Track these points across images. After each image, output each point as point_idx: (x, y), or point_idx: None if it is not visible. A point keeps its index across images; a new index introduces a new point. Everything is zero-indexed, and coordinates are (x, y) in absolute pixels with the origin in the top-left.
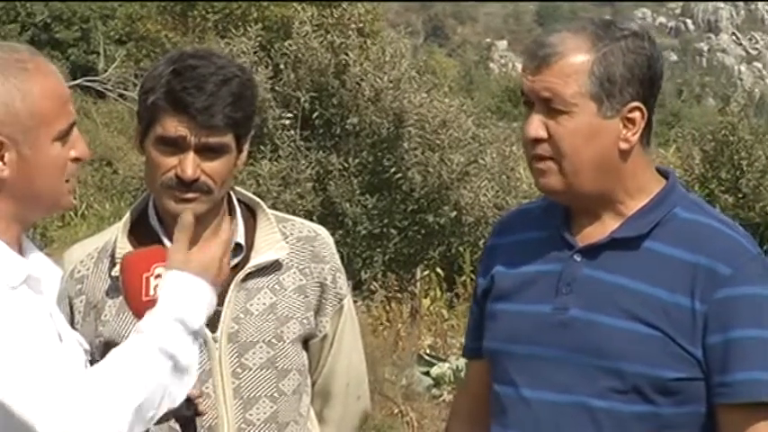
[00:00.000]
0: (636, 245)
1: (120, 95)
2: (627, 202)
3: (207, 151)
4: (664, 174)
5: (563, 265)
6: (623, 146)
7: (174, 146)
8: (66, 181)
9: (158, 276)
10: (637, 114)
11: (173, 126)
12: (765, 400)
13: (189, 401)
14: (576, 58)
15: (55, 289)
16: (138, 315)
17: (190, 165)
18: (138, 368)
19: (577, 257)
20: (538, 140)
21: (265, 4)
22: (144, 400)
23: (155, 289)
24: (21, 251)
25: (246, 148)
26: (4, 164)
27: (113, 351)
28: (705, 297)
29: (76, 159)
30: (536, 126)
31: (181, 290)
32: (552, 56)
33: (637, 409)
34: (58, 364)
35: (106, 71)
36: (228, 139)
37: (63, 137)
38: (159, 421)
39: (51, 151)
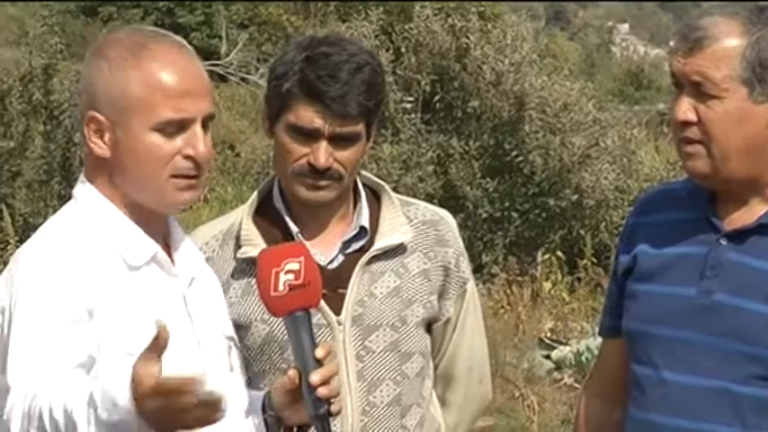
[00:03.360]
0: None
1: (243, 79)
2: None
3: (339, 140)
4: None
5: (708, 248)
6: None
7: (307, 134)
8: (177, 177)
9: (288, 272)
10: None
11: (307, 116)
12: None
13: (320, 400)
14: (729, 43)
15: (192, 275)
16: (269, 309)
17: (323, 154)
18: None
19: (723, 241)
20: (687, 123)
21: None
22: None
23: (284, 285)
24: (161, 236)
25: (374, 134)
26: (105, 143)
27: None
28: None
29: (188, 157)
30: (685, 109)
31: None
32: (704, 39)
33: None
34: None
35: (228, 55)
36: (360, 127)
37: (164, 129)
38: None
39: (147, 139)
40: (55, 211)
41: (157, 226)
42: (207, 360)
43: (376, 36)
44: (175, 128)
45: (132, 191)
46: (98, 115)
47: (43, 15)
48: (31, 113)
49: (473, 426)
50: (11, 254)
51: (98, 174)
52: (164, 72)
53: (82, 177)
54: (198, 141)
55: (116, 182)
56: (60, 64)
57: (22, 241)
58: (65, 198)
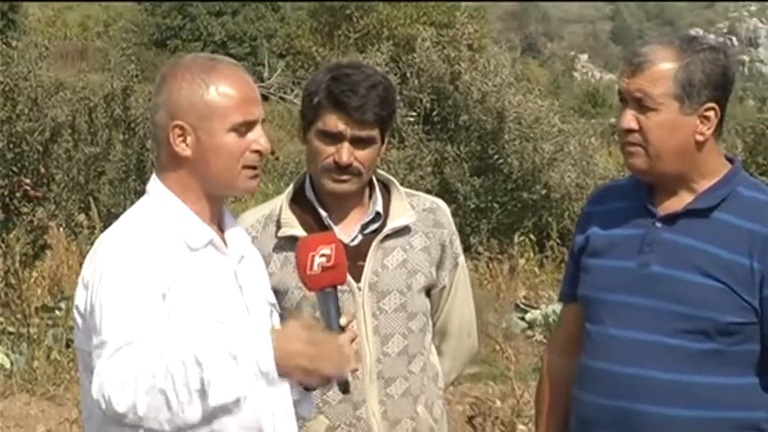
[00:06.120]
0: (706, 215)
1: (281, 98)
2: (699, 182)
3: (359, 142)
4: (730, 159)
5: (646, 229)
6: (699, 138)
7: (333, 138)
8: (248, 167)
9: (322, 256)
10: (711, 113)
11: (333, 122)
12: None
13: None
14: (664, 66)
15: (241, 253)
16: (305, 285)
17: (345, 153)
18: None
19: (658, 224)
20: (630, 131)
21: (394, 25)
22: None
23: (318, 266)
24: (215, 221)
25: (387, 140)
26: (187, 145)
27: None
28: (761, 258)
29: (256, 151)
30: (629, 119)
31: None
32: (645, 63)
33: (702, 347)
34: (159, 312)
35: (269, 79)
36: (375, 132)
37: (238, 129)
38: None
39: (225, 139)
40: (132, 203)
41: (214, 214)
42: (254, 322)
43: (386, 64)
44: (245, 128)
45: (206, 182)
46: (182, 123)
47: (122, 47)
48: (113, 125)
49: (463, 372)
50: (97, 238)
51: (171, 172)
52: (233, 85)
53: (154, 176)
54: (262, 137)
55: (191, 176)
56: (136, 86)
57: (105, 228)
58: (140, 192)
